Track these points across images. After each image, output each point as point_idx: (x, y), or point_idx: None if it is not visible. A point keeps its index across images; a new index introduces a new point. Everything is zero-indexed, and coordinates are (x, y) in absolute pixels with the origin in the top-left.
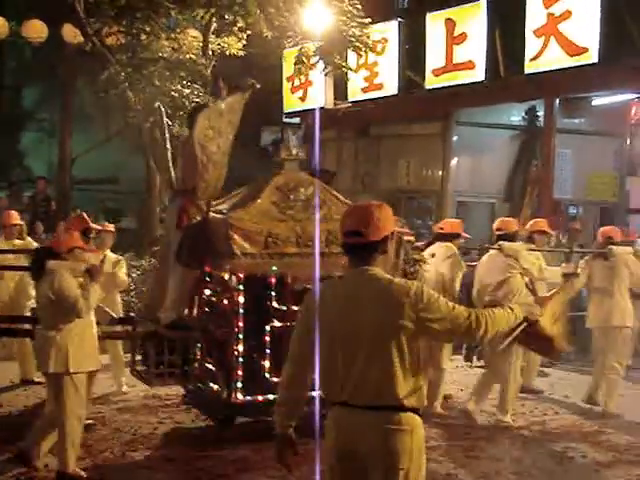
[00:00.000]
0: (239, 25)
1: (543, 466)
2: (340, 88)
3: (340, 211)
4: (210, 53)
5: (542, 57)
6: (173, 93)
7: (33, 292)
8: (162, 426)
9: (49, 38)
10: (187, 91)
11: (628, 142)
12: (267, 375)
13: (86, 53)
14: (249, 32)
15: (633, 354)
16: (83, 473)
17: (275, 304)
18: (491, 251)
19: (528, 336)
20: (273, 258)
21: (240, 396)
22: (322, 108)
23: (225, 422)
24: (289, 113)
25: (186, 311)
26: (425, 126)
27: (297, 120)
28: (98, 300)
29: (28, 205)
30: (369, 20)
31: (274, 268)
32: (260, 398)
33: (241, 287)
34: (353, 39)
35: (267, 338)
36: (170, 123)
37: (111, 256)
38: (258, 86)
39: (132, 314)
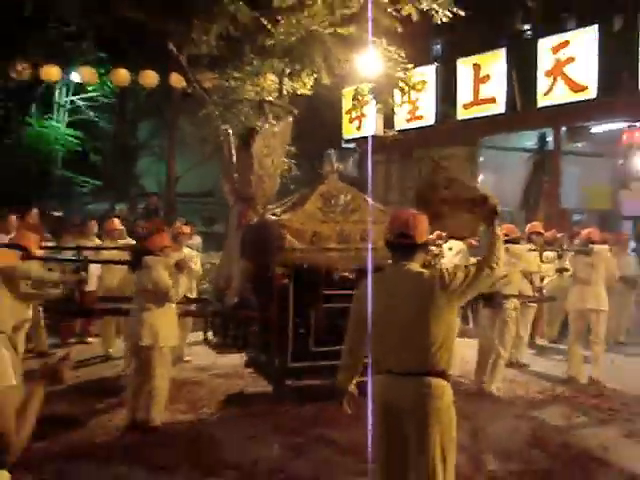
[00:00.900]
0: (307, 71)
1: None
2: (388, 119)
3: (373, 215)
4: (285, 93)
5: (551, 93)
6: (257, 127)
7: None
8: (245, 388)
9: (159, 84)
10: (267, 125)
11: (621, 162)
12: (311, 346)
13: (188, 95)
14: (315, 76)
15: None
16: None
17: (316, 290)
18: None
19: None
20: (316, 252)
21: (290, 363)
22: (374, 136)
23: (279, 384)
24: (347, 140)
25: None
26: (456, 149)
27: (353, 145)
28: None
29: (142, 214)
30: (411, 65)
31: (316, 260)
32: (306, 364)
33: (290, 275)
34: (399, 80)
35: (311, 318)
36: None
37: (189, 252)
38: (296, 112)
39: (204, 297)
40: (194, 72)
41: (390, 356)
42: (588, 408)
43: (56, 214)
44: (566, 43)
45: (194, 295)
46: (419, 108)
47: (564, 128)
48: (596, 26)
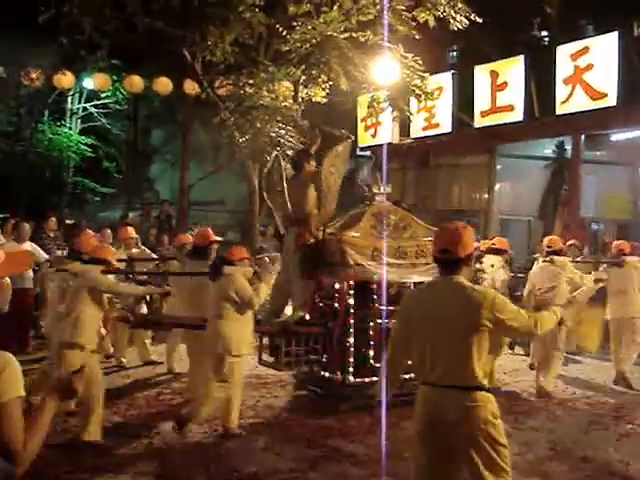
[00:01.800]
0: (322, 78)
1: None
2: (404, 127)
3: (422, 231)
4: (300, 100)
5: (570, 101)
6: (271, 134)
7: None
8: (265, 399)
9: (173, 91)
10: (282, 132)
11: None
12: (372, 362)
13: (202, 102)
14: (331, 83)
15: None
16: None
17: (377, 304)
18: (541, 262)
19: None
20: (377, 268)
21: (351, 378)
22: (390, 143)
23: (340, 399)
24: (363, 148)
25: (308, 312)
26: (474, 157)
27: (369, 153)
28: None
29: (155, 222)
30: (428, 72)
31: (376, 276)
32: (367, 380)
33: (352, 291)
34: (415, 88)
35: (371, 332)
36: (282, 164)
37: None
38: (352, 138)
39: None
40: (208, 79)
41: (434, 368)
42: (609, 421)
43: (68, 222)
44: (585, 50)
45: None
46: (435, 116)
47: (583, 136)
48: (616, 33)
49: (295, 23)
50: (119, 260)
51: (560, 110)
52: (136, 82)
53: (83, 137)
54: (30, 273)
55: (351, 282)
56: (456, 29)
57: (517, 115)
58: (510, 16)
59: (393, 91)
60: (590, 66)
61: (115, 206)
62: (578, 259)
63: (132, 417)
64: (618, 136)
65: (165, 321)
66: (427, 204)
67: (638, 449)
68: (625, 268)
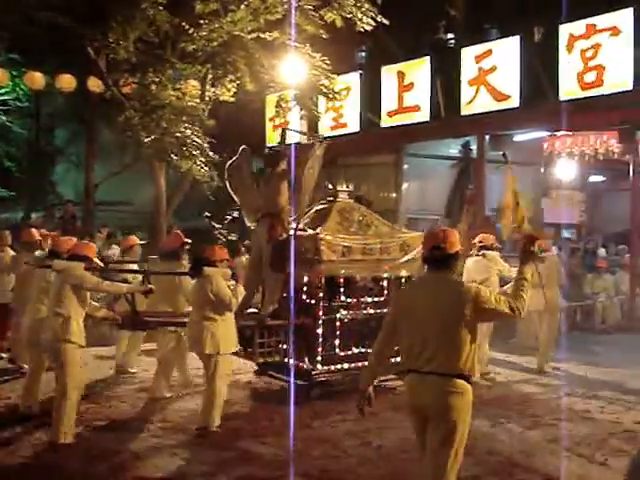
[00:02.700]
0: (230, 77)
1: None
2: (313, 126)
3: (385, 229)
4: (207, 99)
5: (474, 102)
6: (177, 134)
7: None
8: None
9: (77, 88)
10: (188, 132)
11: (542, 170)
12: (338, 351)
13: (107, 100)
14: (238, 82)
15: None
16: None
17: (343, 297)
18: (475, 257)
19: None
20: (346, 263)
21: (319, 366)
22: (298, 143)
23: (309, 386)
24: (271, 147)
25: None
26: (381, 157)
27: None
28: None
29: (59, 223)
30: (335, 72)
31: (343, 271)
32: (333, 368)
33: (322, 285)
34: (323, 88)
35: (337, 323)
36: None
37: None
38: (328, 140)
39: None
40: (113, 77)
41: (420, 356)
42: (514, 414)
43: None
44: (489, 52)
45: None
46: (343, 115)
47: (487, 136)
48: (518, 37)
49: (202, 22)
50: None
51: (465, 111)
52: (37, 78)
53: None
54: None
55: (321, 276)
56: (363, 30)
57: (423, 115)
58: (417, 18)
59: (301, 91)
60: (494, 68)
61: (16, 207)
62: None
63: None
64: (521, 137)
65: (151, 320)
66: None
67: (540, 442)
68: (546, 263)
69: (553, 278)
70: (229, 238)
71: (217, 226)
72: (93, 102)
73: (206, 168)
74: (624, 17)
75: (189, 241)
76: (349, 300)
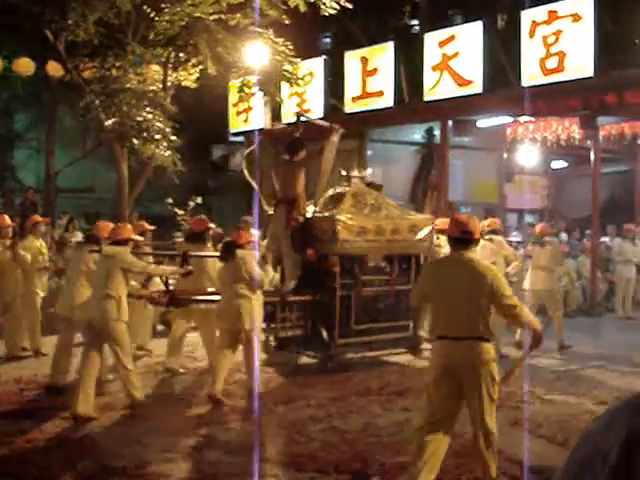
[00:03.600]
0: (192, 62)
1: None
2: (276, 112)
3: (395, 211)
4: (169, 84)
5: (438, 87)
6: (138, 118)
7: None
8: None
9: (36, 72)
10: (150, 116)
11: (505, 156)
12: (354, 324)
13: (67, 84)
14: (201, 67)
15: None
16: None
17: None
18: (482, 241)
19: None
20: (360, 243)
21: (337, 340)
22: (262, 129)
23: (327, 358)
24: (235, 133)
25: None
26: (345, 143)
27: (241, 139)
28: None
29: (19, 209)
30: (299, 57)
31: (357, 250)
32: (350, 340)
33: (338, 264)
34: (286, 73)
35: (353, 299)
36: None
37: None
38: (342, 130)
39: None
40: (73, 60)
41: (447, 324)
42: None
43: None
44: (452, 38)
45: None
46: (307, 101)
47: (451, 122)
48: (480, 22)
49: (163, 4)
50: None
51: (428, 96)
52: None
53: None
54: None
55: (338, 255)
56: (327, 15)
57: (387, 101)
58: (381, 3)
59: (263, 76)
60: (457, 54)
61: None
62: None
63: None
64: (484, 122)
65: (188, 298)
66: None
67: (503, 425)
68: (546, 247)
69: (554, 261)
70: None
71: (180, 212)
72: (53, 86)
73: (169, 153)
74: (585, 3)
75: (213, 226)
76: (363, 277)
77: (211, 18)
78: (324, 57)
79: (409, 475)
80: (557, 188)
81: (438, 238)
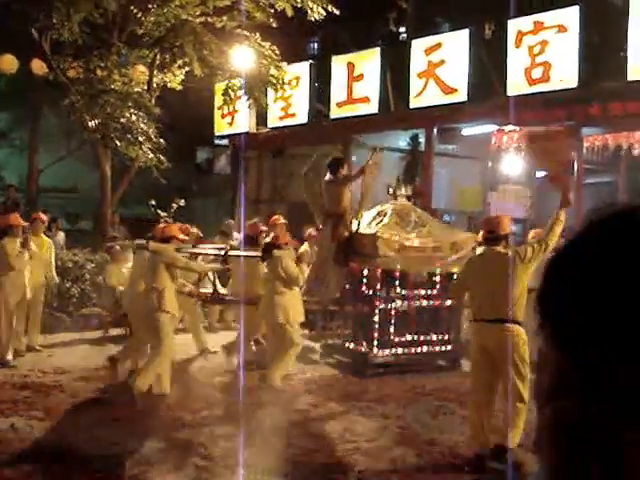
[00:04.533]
0: (178, 63)
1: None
2: (262, 116)
3: (438, 229)
4: (154, 86)
5: (423, 95)
6: (122, 120)
7: None
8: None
9: (20, 70)
10: (134, 118)
11: (490, 164)
12: (392, 337)
13: (51, 83)
14: (187, 69)
15: None
16: None
17: (399, 289)
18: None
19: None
20: (401, 259)
21: (375, 350)
22: (247, 132)
23: (365, 366)
24: (219, 136)
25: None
26: (329, 148)
27: (226, 142)
28: None
29: (0, 208)
30: (285, 62)
31: (398, 265)
32: (387, 352)
33: (379, 277)
34: (272, 77)
35: (392, 312)
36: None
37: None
38: (383, 150)
39: None
40: (58, 59)
41: (483, 308)
42: (455, 406)
43: None
44: (438, 45)
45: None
46: (292, 105)
47: (436, 129)
48: (467, 30)
49: (150, 5)
50: None
51: (414, 103)
52: None
53: None
54: None
55: (379, 270)
56: (314, 20)
57: (372, 107)
58: (368, 9)
59: (249, 79)
60: (443, 61)
61: None
62: None
63: None
64: (469, 130)
65: (227, 298)
66: (284, 194)
67: None
68: None
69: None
70: None
71: (163, 214)
72: (37, 85)
73: (152, 155)
74: (571, 15)
75: (265, 229)
76: (403, 292)
77: (198, 20)
78: (310, 62)
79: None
80: (540, 198)
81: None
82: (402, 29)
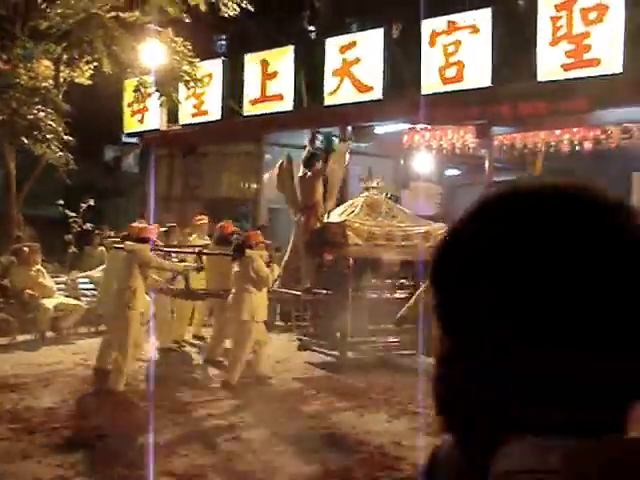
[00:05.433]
0: (86, 59)
1: None
2: (173, 113)
3: (408, 220)
4: (62, 81)
5: (338, 93)
6: (29, 116)
7: None
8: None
9: None
10: (42, 114)
11: (402, 162)
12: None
13: None
14: (96, 64)
15: None
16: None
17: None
18: None
19: None
20: (370, 247)
21: (349, 339)
22: (157, 130)
23: (339, 357)
24: (129, 134)
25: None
26: (242, 146)
27: (136, 140)
28: None
29: None
30: (198, 58)
31: (368, 254)
32: (359, 339)
33: (350, 266)
34: (184, 74)
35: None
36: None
37: None
38: (352, 140)
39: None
40: None
41: None
42: (381, 403)
43: None
44: (353, 44)
45: None
46: (205, 102)
47: (350, 127)
48: (382, 29)
49: None
50: None
51: (328, 101)
52: None
53: None
54: None
55: (349, 259)
56: (227, 16)
57: (286, 104)
58: (281, 7)
59: (161, 76)
60: (358, 60)
61: None
62: None
63: None
64: (382, 129)
65: (198, 292)
66: (196, 193)
67: (408, 429)
68: None
69: None
70: (84, 227)
71: (71, 215)
72: None
73: (61, 153)
74: (483, 17)
75: (236, 229)
76: (374, 281)
77: (108, 15)
78: (223, 58)
79: None
80: (450, 195)
81: None
82: (312, 28)
